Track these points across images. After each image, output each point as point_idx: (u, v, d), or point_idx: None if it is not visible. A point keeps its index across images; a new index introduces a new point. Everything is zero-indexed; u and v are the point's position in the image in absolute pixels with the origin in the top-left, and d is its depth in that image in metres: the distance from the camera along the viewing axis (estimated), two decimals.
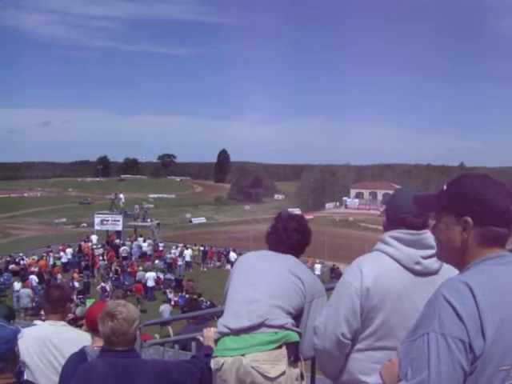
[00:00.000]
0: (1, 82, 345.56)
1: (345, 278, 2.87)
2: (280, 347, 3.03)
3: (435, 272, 2.81)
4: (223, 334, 3.16)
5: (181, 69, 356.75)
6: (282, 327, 3.07)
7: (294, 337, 3.10)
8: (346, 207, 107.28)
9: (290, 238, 3.48)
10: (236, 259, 38.02)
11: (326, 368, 3.04)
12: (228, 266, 40.55)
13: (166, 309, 25.43)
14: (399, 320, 2.71)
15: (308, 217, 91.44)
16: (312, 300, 3.25)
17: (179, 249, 42.13)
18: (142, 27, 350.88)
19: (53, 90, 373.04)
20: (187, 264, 40.54)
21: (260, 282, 3.24)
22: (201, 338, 3.94)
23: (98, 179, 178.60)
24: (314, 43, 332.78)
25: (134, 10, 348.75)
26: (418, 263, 2.78)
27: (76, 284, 30.51)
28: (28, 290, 27.94)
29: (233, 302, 3.29)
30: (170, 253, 40.86)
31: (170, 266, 38.00)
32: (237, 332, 3.10)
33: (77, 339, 4.21)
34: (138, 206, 52.03)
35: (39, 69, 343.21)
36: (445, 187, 2.08)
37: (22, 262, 38.17)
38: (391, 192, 3.25)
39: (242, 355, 3.00)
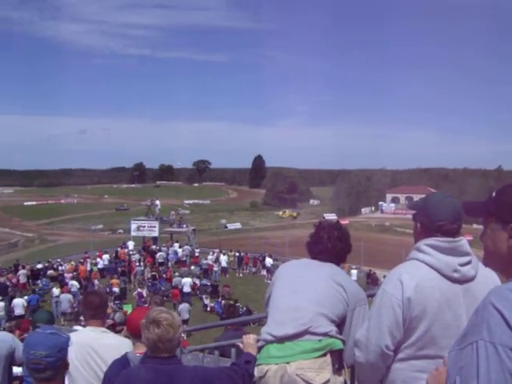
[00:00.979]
0: (39, 91, 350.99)
1: (385, 289, 2.83)
2: (325, 355, 3.02)
3: (472, 279, 2.78)
4: (267, 342, 3.16)
5: (217, 75, 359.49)
6: (326, 335, 3.07)
7: (339, 344, 3.09)
8: (382, 212, 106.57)
9: (334, 246, 3.48)
10: (272, 265, 38.23)
11: (367, 380, 3.01)
12: (264, 272, 40.62)
13: (184, 308, 25.44)
14: (440, 329, 2.68)
15: (343, 222, 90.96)
16: (355, 308, 3.23)
17: (215, 254, 42.21)
18: (178, 34, 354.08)
19: (90, 98, 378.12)
20: (223, 270, 40.55)
21: (304, 290, 3.23)
22: (240, 345, 3.93)
23: (133, 186, 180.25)
24: (350, 48, 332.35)
25: (170, 17, 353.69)
26: (456, 271, 2.75)
27: (115, 289, 30.70)
28: (69, 296, 28.13)
29: (276, 309, 3.28)
30: (206, 258, 40.95)
31: (206, 272, 38.04)
32: (281, 339, 3.10)
33: (117, 345, 4.24)
34: (173, 212, 52.31)
35: (76, 78, 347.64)
36: (494, 194, 2.05)
37: (59, 268, 38.55)
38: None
39: (287, 363, 2.99)
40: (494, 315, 1.70)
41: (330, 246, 3.47)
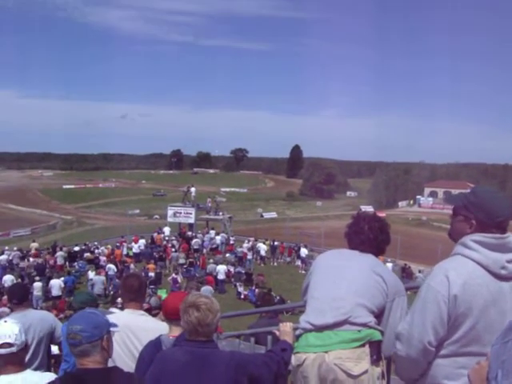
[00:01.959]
0: (82, 76, 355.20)
1: (430, 284, 2.79)
2: (363, 345, 3.02)
3: None
4: (306, 331, 3.17)
5: (258, 64, 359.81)
6: (365, 325, 3.07)
7: (377, 335, 3.10)
8: (420, 206, 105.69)
9: (376, 237, 3.48)
10: (307, 255, 38.15)
11: (406, 373, 3.00)
12: (298, 262, 40.50)
13: (206, 290, 25.45)
14: (486, 326, 2.65)
15: (380, 214, 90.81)
16: (394, 299, 3.22)
17: (250, 243, 42.27)
18: (221, 22, 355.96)
19: (131, 83, 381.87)
20: (261, 258, 40.78)
21: (343, 280, 3.23)
22: (277, 332, 3.95)
23: (171, 172, 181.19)
24: (393, 39, 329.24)
25: (214, 4, 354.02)
26: (503, 268, 2.72)
27: (151, 274, 30.93)
28: (102, 277, 28.49)
29: (315, 299, 3.29)
30: (241, 246, 41.02)
31: (241, 260, 38.09)
32: (320, 329, 3.11)
33: (155, 328, 4.29)
34: (210, 200, 52.29)
35: (118, 63, 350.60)
36: None
37: (96, 251, 38.99)
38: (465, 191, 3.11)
39: (325, 352, 3.00)
40: None
41: (372, 236, 3.47)
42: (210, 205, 51.36)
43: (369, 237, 3.47)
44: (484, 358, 1.96)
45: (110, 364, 3.20)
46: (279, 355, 3.54)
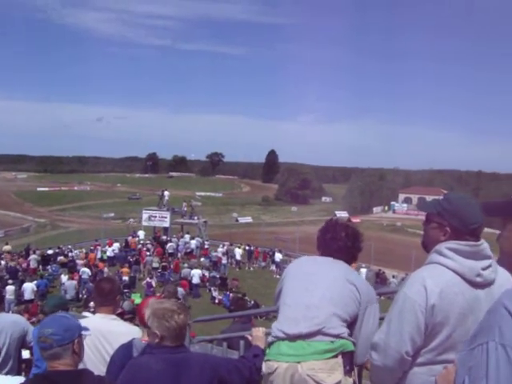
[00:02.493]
0: (58, 78, 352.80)
1: (407, 293, 2.75)
2: (336, 356, 3.02)
3: (492, 282, 2.74)
4: (278, 339, 3.15)
5: (235, 68, 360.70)
6: (338, 336, 3.06)
7: (350, 346, 3.10)
8: (394, 212, 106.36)
9: (353, 245, 3.50)
10: (281, 260, 38.20)
11: (381, 382, 2.97)
12: (273, 267, 40.61)
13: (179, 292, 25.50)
14: (462, 334, 2.63)
15: (355, 220, 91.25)
16: (366, 307, 3.23)
17: (225, 247, 42.23)
18: (198, 26, 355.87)
19: (108, 86, 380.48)
20: (237, 263, 40.86)
21: (317, 288, 3.22)
22: (249, 337, 3.95)
23: (146, 175, 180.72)
24: (368, 45, 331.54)
25: (192, 9, 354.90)
26: (479, 275, 2.71)
27: (125, 278, 30.80)
28: (74, 282, 28.40)
29: (288, 306, 3.26)
30: (216, 251, 40.99)
31: (216, 264, 38.07)
32: (293, 338, 3.09)
33: (127, 332, 4.27)
34: (185, 204, 52.17)
35: (95, 66, 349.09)
36: None
37: (70, 255, 38.70)
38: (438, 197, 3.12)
39: (298, 362, 2.99)
40: (506, 317, 1.71)
41: (350, 243, 3.48)
42: (185, 209, 51.29)
43: (346, 244, 3.47)
44: (451, 364, 1.98)
45: (81, 368, 3.19)
46: (251, 361, 3.54)
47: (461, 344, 2.57)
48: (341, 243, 3.46)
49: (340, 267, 3.37)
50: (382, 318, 3.04)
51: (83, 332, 3.16)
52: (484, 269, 2.73)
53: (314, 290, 3.21)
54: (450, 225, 2.87)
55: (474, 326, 2.17)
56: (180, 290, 25.95)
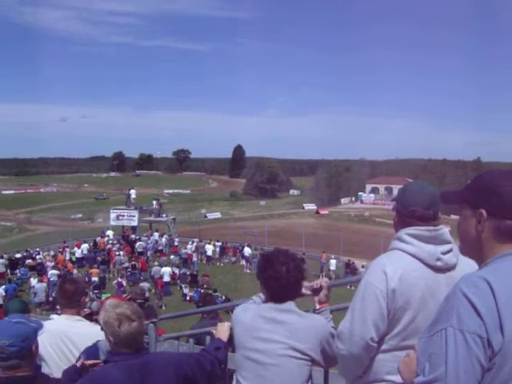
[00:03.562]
0: (18, 78, 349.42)
1: (368, 280, 2.77)
2: None
3: (454, 267, 2.78)
4: None
5: (197, 64, 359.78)
6: None
7: None
8: (362, 202, 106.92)
9: (297, 280, 3.34)
10: (250, 254, 38.37)
11: (349, 372, 2.97)
12: (243, 262, 40.74)
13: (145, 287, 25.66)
14: (425, 319, 2.64)
15: (323, 212, 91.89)
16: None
17: (194, 244, 42.16)
18: (159, 23, 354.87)
19: (70, 86, 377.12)
20: (208, 259, 40.81)
21: (268, 372, 3.19)
22: (214, 332, 3.94)
23: (113, 175, 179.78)
24: (329, 38, 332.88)
25: (152, 5, 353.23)
26: (439, 259, 2.75)
27: (94, 279, 30.62)
28: (44, 285, 28.20)
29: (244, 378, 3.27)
30: (186, 248, 40.91)
31: (186, 261, 38.03)
32: None
33: (92, 333, 4.21)
34: (155, 202, 51.65)
35: (56, 65, 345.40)
36: (469, 182, 2.07)
37: (38, 257, 38.34)
38: None
39: None
40: (463, 302, 1.71)
41: (293, 279, 3.28)
42: (156, 207, 50.80)
43: (289, 281, 3.26)
44: (413, 351, 1.98)
45: (46, 371, 3.12)
46: (213, 354, 3.53)
47: (424, 329, 2.59)
48: (282, 281, 3.25)
49: (285, 328, 3.20)
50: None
51: (39, 333, 3.09)
52: (444, 253, 2.77)
53: (267, 374, 3.16)
54: (396, 209, 2.98)
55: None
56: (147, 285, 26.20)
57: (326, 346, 3.15)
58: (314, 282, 3.47)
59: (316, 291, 3.46)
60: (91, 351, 3.85)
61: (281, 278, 3.22)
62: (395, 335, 2.74)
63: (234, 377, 3.35)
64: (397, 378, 2.57)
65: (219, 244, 43.35)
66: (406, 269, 2.71)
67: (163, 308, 27.22)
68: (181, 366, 3.30)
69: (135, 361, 3.18)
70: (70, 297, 4.54)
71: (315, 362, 3.20)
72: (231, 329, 3.72)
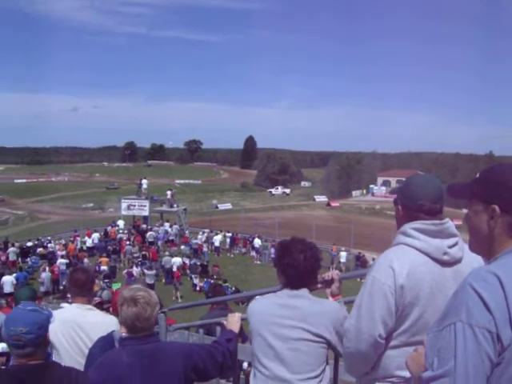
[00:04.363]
0: (31, 67, 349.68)
1: (375, 276, 2.73)
2: None
3: (460, 260, 2.76)
4: None
5: (210, 55, 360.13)
6: None
7: None
8: (373, 195, 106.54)
9: (313, 269, 3.38)
10: (261, 245, 38.40)
11: (356, 369, 2.95)
12: (253, 253, 40.83)
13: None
14: (433, 313, 2.61)
15: (334, 204, 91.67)
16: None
17: (205, 234, 42.22)
18: (173, 13, 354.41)
19: (82, 75, 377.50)
20: (216, 249, 40.80)
21: (287, 359, 3.21)
22: (225, 322, 3.95)
23: (124, 164, 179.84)
24: (344, 30, 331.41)
25: None
26: (445, 253, 2.72)
27: (104, 268, 30.74)
28: (49, 274, 28.47)
29: (262, 374, 3.28)
30: (196, 238, 40.95)
31: (196, 252, 38.11)
32: None
33: (103, 322, 4.25)
34: (170, 192, 51.39)
35: (69, 54, 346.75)
36: (477, 175, 2.05)
37: (49, 246, 38.52)
38: None
39: None
40: (473, 297, 1.71)
41: (310, 268, 3.32)
42: (170, 197, 50.57)
43: (306, 269, 3.30)
44: (421, 346, 1.98)
45: (56, 359, 3.14)
46: (224, 346, 3.53)
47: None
48: (300, 269, 3.28)
49: (302, 314, 3.23)
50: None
51: (51, 320, 3.08)
52: (450, 247, 2.75)
53: (286, 362, 3.18)
54: (401, 202, 2.94)
55: (444, 305, 2.17)
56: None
57: (340, 329, 3.13)
58: (326, 274, 3.45)
59: (327, 283, 3.45)
60: (106, 341, 3.85)
61: (298, 266, 3.25)
62: (404, 331, 2.72)
63: (252, 366, 3.36)
64: (407, 374, 2.54)
65: (229, 235, 43.41)
66: (414, 264, 2.69)
67: (179, 300, 27.13)
68: (191, 357, 3.33)
69: (144, 347, 3.23)
70: (81, 285, 4.55)
71: (332, 346, 3.22)
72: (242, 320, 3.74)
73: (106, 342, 3.85)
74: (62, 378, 3.00)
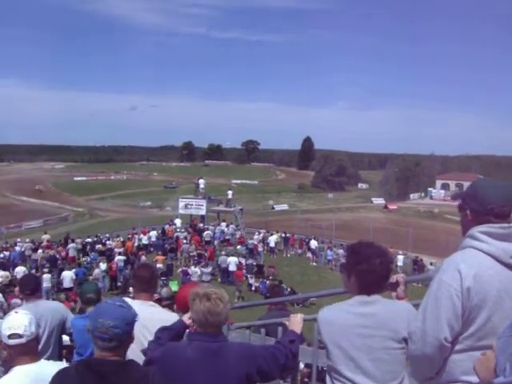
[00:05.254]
0: (92, 67, 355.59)
1: (442, 279, 2.72)
2: None
3: None
4: None
5: (269, 55, 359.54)
6: None
7: None
8: (432, 198, 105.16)
9: (387, 275, 3.34)
10: (317, 247, 38.21)
11: (422, 373, 2.91)
12: (309, 254, 40.57)
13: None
14: (501, 317, 2.61)
15: (392, 207, 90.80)
16: None
17: (261, 235, 42.23)
18: (233, 14, 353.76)
19: (142, 75, 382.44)
20: (271, 250, 40.68)
21: (371, 369, 3.14)
22: (287, 323, 3.95)
23: (182, 164, 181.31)
24: (405, 30, 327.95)
25: None
26: None
27: (160, 266, 31.03)
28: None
29: None
30: (252, 238, 40.98)
31: (252, 252, 38.07)
32: None
33: (166, 319, 4.26)
34: (230, 192, 51.30)
35: (129, 54, 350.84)
36: None
37: (107, 243, 39.07)
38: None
39: None
40: None
41: (385, 274, 3.27)
42: (231, 197, 50.62)
43: (382, 274, 3.24)
44: (489, 350, 1.95)
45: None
46: (287, 347, 3.52)
47: (500, 328, 2.54)
48: (376, 275, 3.21)
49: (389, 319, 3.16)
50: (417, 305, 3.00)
51: (136, 319, 3.08)
52: None
53: (369, 373, 3.12)
54: (470, 207, 2.89)
55: None
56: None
57: None
58: (391, 277, 3.40)
59: (392, 286, 3.41)
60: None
61: (375, 272, 3.18)
62: (470, 335, 2.69)
63: (328, 376, 3.29)
64: (473, 379, 2.52)
65: (285, 235, 43.28)
66: (481, 267, 2.67)
67: (238, 300, 27.06)
68: (255, 359, 3.34)
69: (211, 345, 3.26)
70: (147, 282, 4.62)
71: None
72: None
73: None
74: (142, 378, 2.97)
